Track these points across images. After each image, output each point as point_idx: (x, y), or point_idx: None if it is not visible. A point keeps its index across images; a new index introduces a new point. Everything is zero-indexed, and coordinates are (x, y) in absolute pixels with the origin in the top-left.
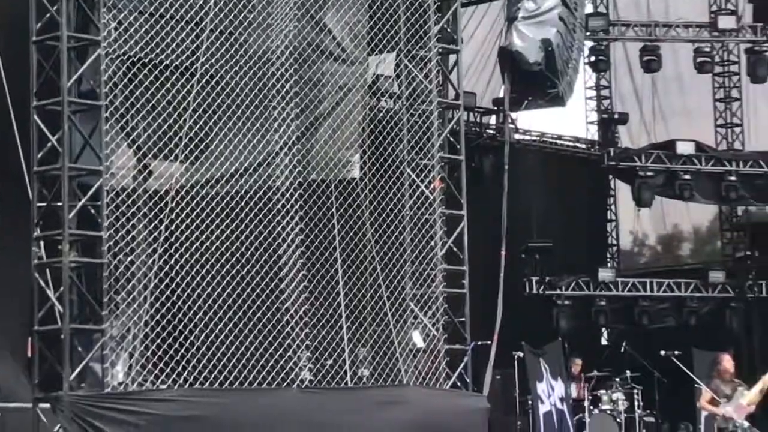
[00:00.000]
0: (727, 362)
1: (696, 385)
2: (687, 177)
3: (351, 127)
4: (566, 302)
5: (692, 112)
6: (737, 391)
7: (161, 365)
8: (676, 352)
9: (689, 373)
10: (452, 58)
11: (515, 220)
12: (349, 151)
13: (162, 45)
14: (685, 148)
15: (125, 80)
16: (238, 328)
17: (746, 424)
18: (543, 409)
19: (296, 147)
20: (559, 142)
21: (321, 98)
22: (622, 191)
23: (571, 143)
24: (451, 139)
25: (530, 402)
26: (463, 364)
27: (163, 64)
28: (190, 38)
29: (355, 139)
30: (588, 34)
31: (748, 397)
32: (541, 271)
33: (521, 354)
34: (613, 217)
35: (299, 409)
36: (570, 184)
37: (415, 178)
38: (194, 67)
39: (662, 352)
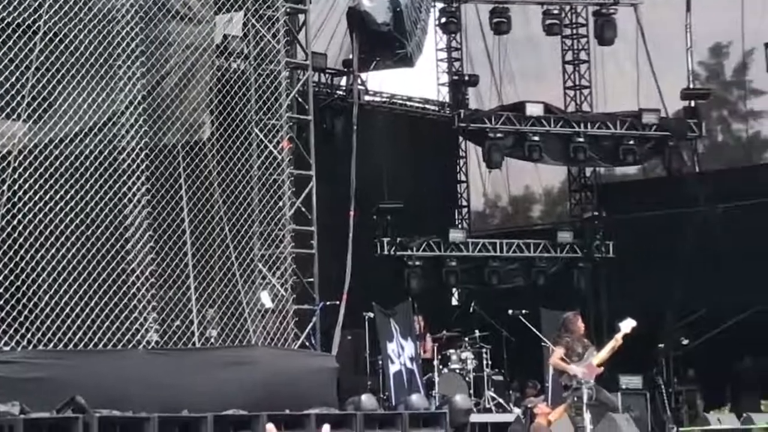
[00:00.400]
0: (579, 322)
1: (543, 344)
2: (536, 139)
3: (199, 88)
4: (417, 263)
5: (541, 75)
6: (588, 351)
7: (4, 327)
8: (524, 312)
9: (537, 332)
10: (301, 18)
11: (366, 181)
12: (197, 112)
13: (4, 2)
14: (534, 110)
15: None
16: (83, 290)
17: (592, 382)
18: (393, 368)
19: (142, 107)
20: (409, 103)
21: (167, 58)
22: (473, 153)
23: (421, 105)
24: (300, 99)
25: (380, 362)
26: (311, 325)
27: (5, 22)
28: None
29: (202, 99)
30: None
31: (599, 358)
32: (391, 232)
33: (372, 314)
34: (464, 179)
35: (146, 371)
36: (421, 145)
37: (264, 139)
38: (37, 24)
39: (510, 312)
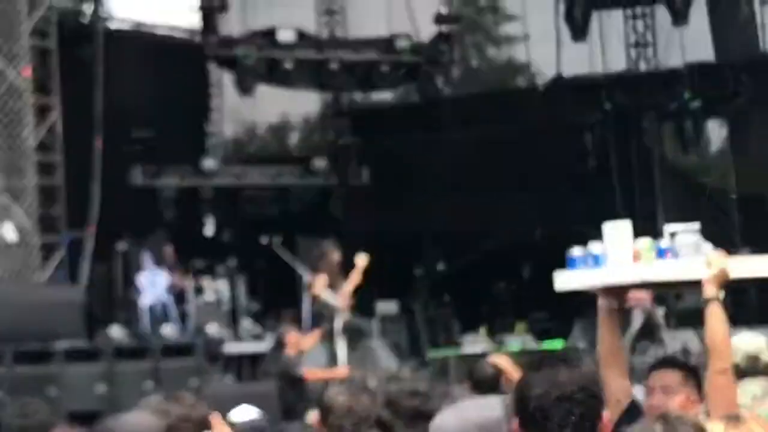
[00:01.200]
0: (336, 253)
1: (299, 272)
2: (288, 65)
3: None
4: (170, 193)
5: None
6: (342, 281)
7: None
8: (279, 240)
9: (291, 260)
10: None
11: (115, 110)
12: None
13: None
14: (286, 36)
15: None
16: None
17: (345, 309)
18: (146, 300)
19: None
20: (158, 30)
21: None
22: (228, 80)
23: (170, 32)
24: (41, 25)
25: (133, 294)
26: (58, 257)
27: None
28: None
29: None
30: None
31: (348, 288)
32: (144, 162)
33: (123, 245)
34: (217, 106)
35: None
36: (171, 73)
37: (4, 66)
38: None
39: (265, 240)
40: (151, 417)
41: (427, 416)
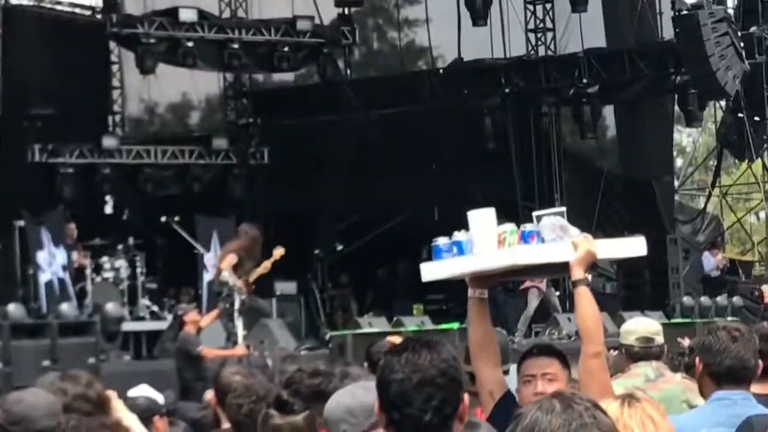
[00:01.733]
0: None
1: (196, 251)
2: (190, 44)
3: None
4: (69, 170)
5: None
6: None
7: None
8: (177, 218)
9: (190, 239)
10: None
11: (15, 86)
12: None
13: None
14: (187, 16)
15: None
16: None
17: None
18: (44, 277)
19: None
20: (58, 7)
21: None
22: (129, 58)
23: (70, 9)
24: None
25: (31, 271)
26: None
27: None
28: None
29: None
30: None
31: (255, 274)
32: (42, 139)
33: (22, 222)
34: (118, 84)
35: None
36: (72, 50)
37: None
38: None
39: (164, 219)
40: (47, 395)
41: (326, 396)
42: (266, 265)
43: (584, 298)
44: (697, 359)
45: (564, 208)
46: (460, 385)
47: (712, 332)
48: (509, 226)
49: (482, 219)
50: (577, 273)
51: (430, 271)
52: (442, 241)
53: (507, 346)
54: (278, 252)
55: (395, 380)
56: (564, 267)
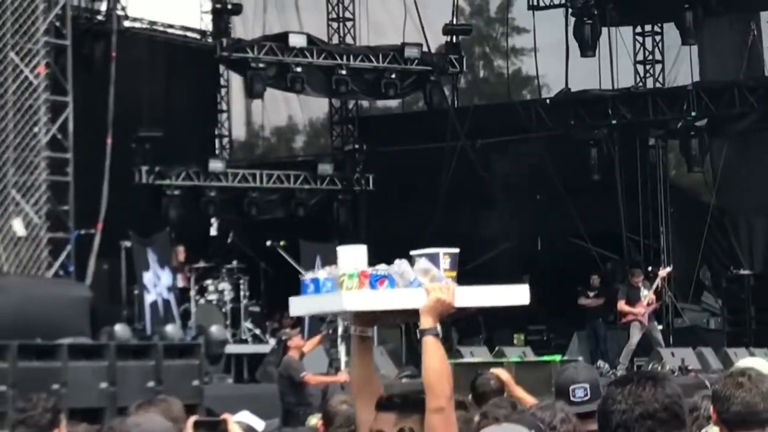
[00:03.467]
0: None
1: (301, 276)
2: (298, 70)
3: None
4: (176, 192)
5: (305, 5)
6: None
7: None
8: (283, 243)
9: (294, 263)
10: None
11: (125, 108)
12: None
13: None
14: (297, 41)
15: None
16: None
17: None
18: (149, 298)
19: None
20: (170, 30)
21: None
22: (237, 82)
23: (182, 33)
24: (57, 23)
25: (136, 291)
26: (65, 253)
27: None
28: None
29: None
30: None
31: None
32: (150, 161)
33: (128, 243)
34: (225, 108)
35: None
36: (182, 74)
37: (19, 63)
38: None
39: (269, 243)
40: (165, 422)
41: None
42: None
43: (429, 349)
44: (711, 406)
45: (441, 251)
46: (682, 423)
47: (720, 380)
48: (356, 267)
49: (349, 256)
50: (425, 322)
51: (296, 306)
52: (308, 276)
53: (597, 383)
54: None
55: (617, 411)
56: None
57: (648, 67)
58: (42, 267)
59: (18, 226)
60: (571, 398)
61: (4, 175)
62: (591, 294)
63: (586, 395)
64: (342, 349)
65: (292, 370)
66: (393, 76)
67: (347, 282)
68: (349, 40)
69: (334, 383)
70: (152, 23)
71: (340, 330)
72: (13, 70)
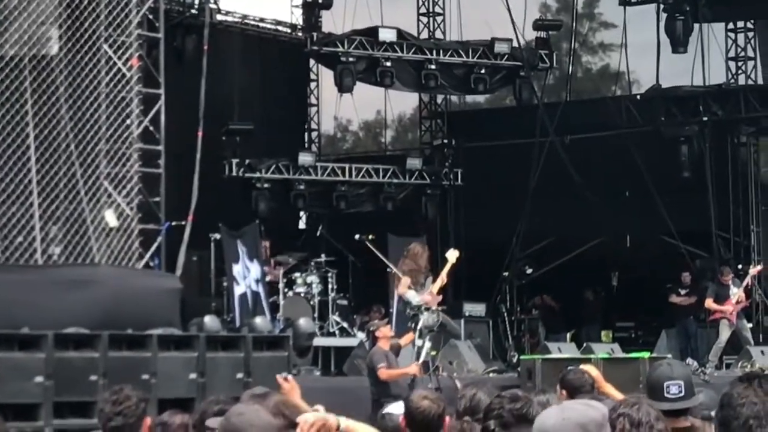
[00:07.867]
0: (424, 251)
1: (389, 270)
2: (388, 64)
3: (47, 1)
4: (265, 185)
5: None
6: (428, 279)
7: None
8: (371, 237)
9: (383, 257)
10: None
11: (216, 101)
12: (45, 26)
13: None
14: (387, 36)
15: None
16: None
17: (435, 308)
18: (238, 290)
19: None
20: (261, 24)
21: None
22: (326, 76)
23: (273, 26)
24: (150, 16)
25: (225, 283)
26: (156, 245)
27: None
28: None
29: (51, 13)
30: None
31: (435, 286)
32: (240, 154)
33: (218, 235)
34: (315, 102)
35: None
36: (272, 67)
37: (113, 55)
38: None
39: (357, 237)
40: (268, 416)
41: (529, 420)
42: (443, 277)
43: None
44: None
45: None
46: None
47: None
48: None
49: None
50: None
51: None
52: None
53: (690, 380)
54: (452, 255)
55: (749, 402)
56: None
57: (740, 63)
58: (133, 258)
59: (110, 217)
60: (666, 395)
61: (97, 166)
62: (682, 292)
63: (680, 392)
64: (427, 344)
65: (373, 361)
66: (482, 71)
67: None
68: (438, 34)
69: (405, 376)
70: (244, 17)
71: (426, 324)
72: (106, 63)
